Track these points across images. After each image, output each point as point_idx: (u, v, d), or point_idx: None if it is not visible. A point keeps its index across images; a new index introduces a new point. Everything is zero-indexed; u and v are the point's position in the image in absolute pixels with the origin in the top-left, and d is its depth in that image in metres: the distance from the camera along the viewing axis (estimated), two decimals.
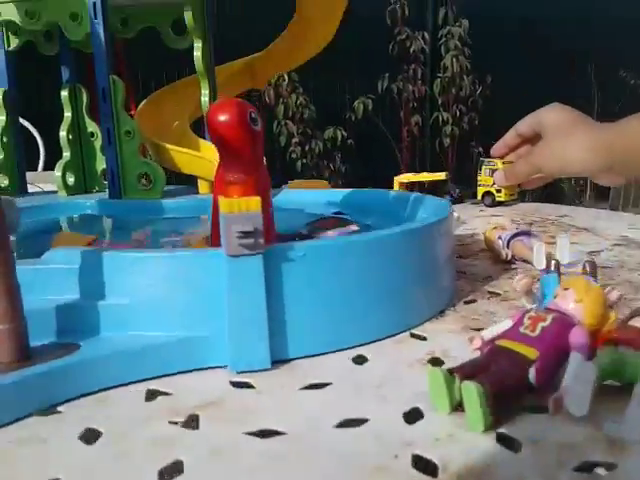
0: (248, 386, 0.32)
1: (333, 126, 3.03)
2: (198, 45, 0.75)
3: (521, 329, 0.31)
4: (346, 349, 0.36)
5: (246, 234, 0.32)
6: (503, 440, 0.27)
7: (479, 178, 0.95)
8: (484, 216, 0.86)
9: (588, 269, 0.42)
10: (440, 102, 3.28)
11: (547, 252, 0.49)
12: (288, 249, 0.34)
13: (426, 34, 3.06)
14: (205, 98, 0.78)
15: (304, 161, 2.99)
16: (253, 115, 0.40)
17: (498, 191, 0.93)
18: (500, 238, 0.57)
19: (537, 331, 0.31)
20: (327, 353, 0.36)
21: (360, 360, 0.35)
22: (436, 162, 3.22)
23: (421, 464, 0.25)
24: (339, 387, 0.32)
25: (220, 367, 0.34)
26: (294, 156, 2.96)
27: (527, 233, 0.57)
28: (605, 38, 3.28)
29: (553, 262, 0.42)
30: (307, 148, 2.96)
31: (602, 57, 3.35)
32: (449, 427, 0.28)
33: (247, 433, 0.27)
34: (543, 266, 0.45)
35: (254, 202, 0.33)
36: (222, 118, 0.38)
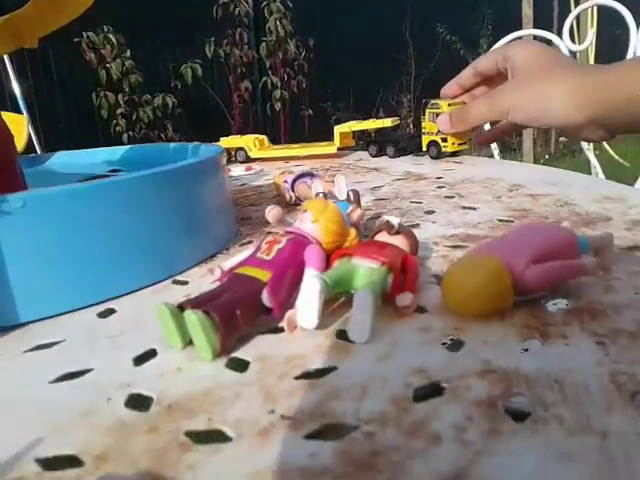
0: None
1: (162, 93, 2.86)
2: None
3: (258, 254, 0.31)
4: (94, 305, 0.33)
5: None
6: (232, 364, 0.26)
7: (423, 125, 0.78)
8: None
9: (352, 197, 0.44)
10: (268, 66, 3.27)
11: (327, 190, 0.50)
12: (0, 201, 0.30)
13: None
14: None
15: (131, 134, 2.80)
16: None
17: (444, 140, 0.78)
18: (286, 182, 0.57)
19: (272, 254, 0.30)
20: (72, 311, 0.33)
21: (106, 314, 0.33)
22: (268, 126, 3.23)
23: (134, 402, 0.23)
24: (71, 343, 0.29)
25: None
26: (119, 129, 2.75)
27: (311, 174, 0.58)
28: None
29: (351, 193, 0.43)
30: (134, 117, 2.77)
31: (419, 13, 3.56)
32: (179, 362, 0.26)
33: None
34: (344, 197, 0.46)
35: None
36: None
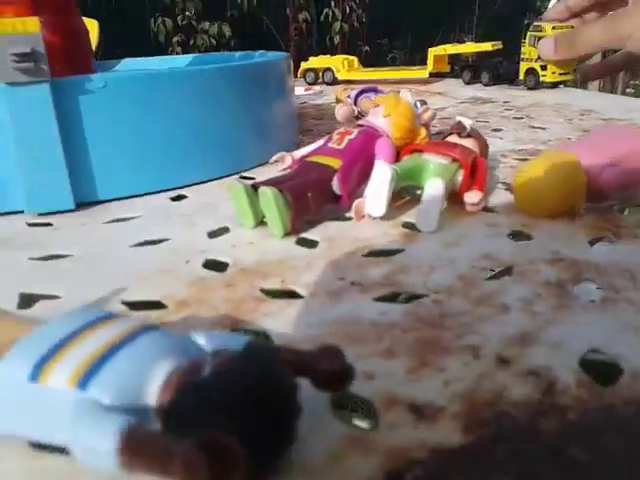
0: (45, 225, 0.30)
1: (217, 21, 2.82)
2: None
3: (329, 144, 0.31)
4: (166, 190, 0.35)
5: (23, 57, 0.29)
6: (302, 242, 0.27)
7: (522, 50, 0.67)
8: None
9: (420, 104, 0.43)
10: None
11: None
12: (84, 80, 0.31)
13: None
14: None
15: None
16: None
17: (543, 68, 0.65)
18: (349, 97, 0.57)
19: (344, 144, 0.31)
20: (143, 195, 0.34)
21: (179, 198, 0.34)
22: None
23: (211, 264, 0.24)
24: (147, 219, 0.31)
25: (16, 213, 0.31)
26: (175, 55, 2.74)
27: (374, 90, 0.56)
28: None
29: (419, 102, 0.42)
30: (191, 43, 2.75)
31: None
32: (251, 237, 0.27)
33: (30, 259, 0.26)
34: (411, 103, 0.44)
35: (31, 23, 0.29)
36: None
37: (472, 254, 0.24)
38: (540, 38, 0.58)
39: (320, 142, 0.32)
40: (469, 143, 0.32)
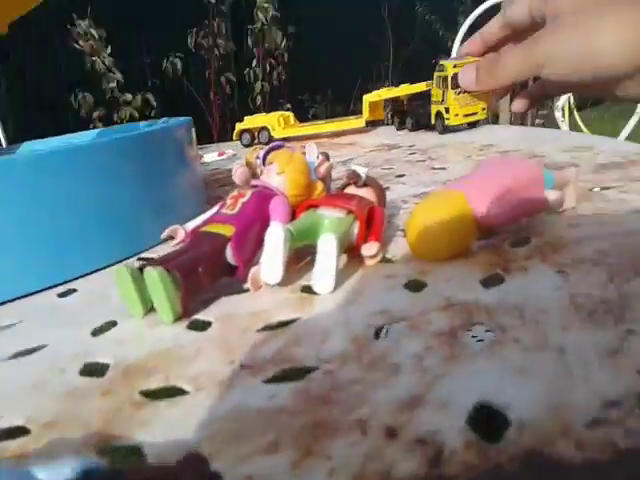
0: None
1: (140, 92, 2.80)
2: None
3: (223, 210, 0.30)
4: (55, 286, 0.33)
5: None
6: (194, 325, 0.25)
7: (432, 92, 0.63)
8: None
9: (321, 156, 0.43)
10: (253, 56, 3.18)
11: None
12: None
13: None
14: None
15: None
16: None
17: (447, 111, 0.61)
18: (258, 157, 0.57)
19: (237, 208, 0.30)
20: (31, 294, 0.32)
21: (67, 293, 0.32)
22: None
23: (90, 369, 0.22)
24: (26, 324, 0.28)
25: None
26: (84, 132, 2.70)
27: (281, 147, 0.57)
28: None
29: (321, 154, 0.42)
30: (114, 119, 2.71)
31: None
32: (139, 328, 0.26)
33: None
34: (314, 157, 0.44)
35: None
36: None
37: (368, 311, 0.24)
38: (445, 78, 0.58)
39: (214, 208, 0.31)
40: (366, 192, 0.32)
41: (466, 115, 0.62)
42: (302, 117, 1.01)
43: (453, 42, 1.30)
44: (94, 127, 2.64)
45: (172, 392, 0.20)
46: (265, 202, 0.30)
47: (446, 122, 0.63)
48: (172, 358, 0.22)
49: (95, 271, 0.34)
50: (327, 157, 0.43)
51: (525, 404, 0.16)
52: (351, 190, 0.33)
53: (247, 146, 0.89)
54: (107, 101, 2.64)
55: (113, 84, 2.60)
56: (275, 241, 0.27)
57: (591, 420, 0.15)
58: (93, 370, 0.22)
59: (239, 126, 0.92)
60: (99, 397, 0.20)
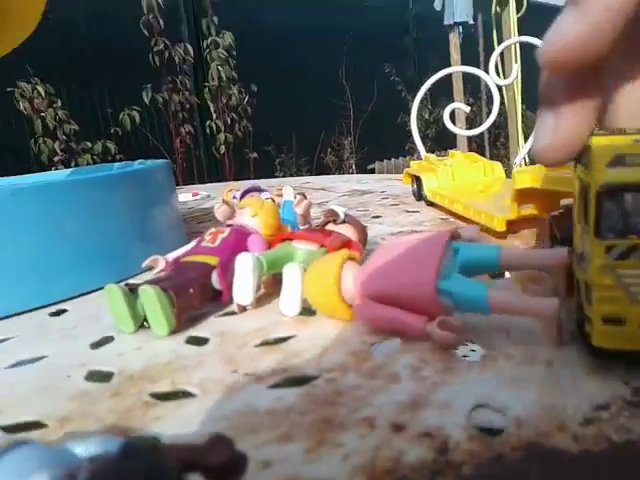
0: None
1: (100, 140, 2.81)
2: None
3: (203, 244, 0.32)
4: (45, 307, 0.33)
5: None
6: (192, 340, 0.26)
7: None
8: None
9: (298, 196, 0.45)
10: (213, 110, 3.27)
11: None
12: None
13: (188, 45, 3.05)
14: None
15: None
16: None
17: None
18: (235, 198, 0.58)
19: (217, 242, 0.31)
20: (21, 314, 0.32)
21: (58, 313, 0.32)
22: (214, 171, 3.24)
23: (94, 376, 0.23)
24: (21, 339, 0.28)
25: None
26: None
27: (258, 189, 0.59)
28: (360, 41, 3.62)
29: (298, 196, 0.44)
30: (73, 165, 2.70)
31: (355, 59, 3.70)
32: (137, 343, 0.26)
33: None
34: (292, 197, 0.46)
35: None
36: None
37: (363, 330, 0.25)
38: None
39: (192, 243, 0.33)
40: (345, 229, 0.34)
41: None
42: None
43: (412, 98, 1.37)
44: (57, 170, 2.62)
45: (180, 395, 0.21)
46: (243, 238, 0.32)
47: None
48: (175, 367, 0.23)
49: (84, 294, 0.35)
50: (304, 196, 0.45)
51: (521, 406, 0.18)
52: (330, 227, 0.34)
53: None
54: (65, 149, 2.64)
55: (68, 133, 2.61)
56: (244, 268, 0.28)
57: (584, 419, 0.17)
58: (98, 377, 0.23)
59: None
60: (109, 398, 0.20)
